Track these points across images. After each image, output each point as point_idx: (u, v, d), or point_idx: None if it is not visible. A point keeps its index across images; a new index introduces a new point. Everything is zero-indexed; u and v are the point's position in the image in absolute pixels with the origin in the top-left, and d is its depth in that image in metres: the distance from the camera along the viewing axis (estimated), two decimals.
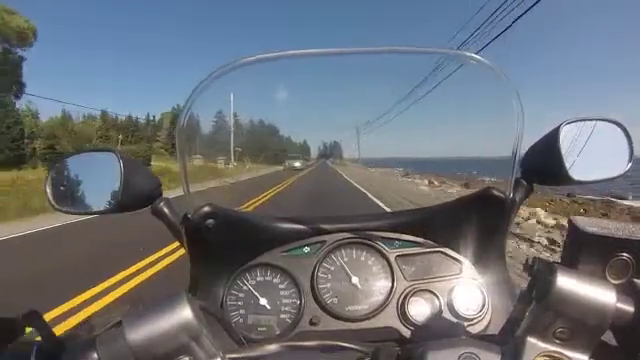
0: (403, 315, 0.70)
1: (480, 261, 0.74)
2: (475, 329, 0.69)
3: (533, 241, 5.53)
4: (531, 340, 0.38)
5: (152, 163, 24.11)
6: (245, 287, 0.73)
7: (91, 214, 0.67)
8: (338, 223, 0.78)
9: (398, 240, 0.76)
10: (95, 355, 0.37)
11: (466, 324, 0.68)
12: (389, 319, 0.71)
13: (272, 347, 0.44)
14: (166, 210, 0.66)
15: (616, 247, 0.40)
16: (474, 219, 0.71)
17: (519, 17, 10.31)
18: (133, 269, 4.43)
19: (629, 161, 0.64)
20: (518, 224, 6.55)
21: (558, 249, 5.04)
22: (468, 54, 0.54)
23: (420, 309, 0.70)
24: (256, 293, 0.73)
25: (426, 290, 0.71)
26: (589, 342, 0.38)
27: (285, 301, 0.73)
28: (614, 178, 0.66)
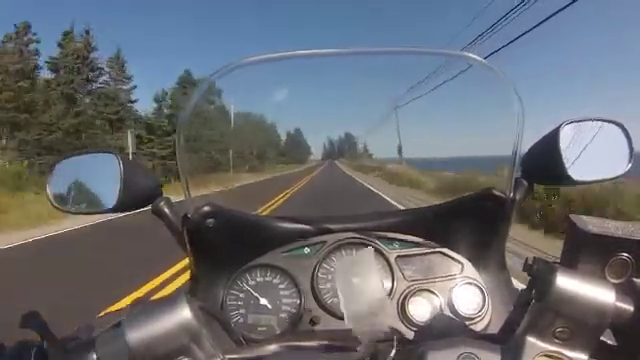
0: (403, 315, 0.70)
1: (480, 261, 0.74)
2: (475, 329, 0.68)
3: None
4: (531, 340, 0.38)
5: None
6: (245, 287, 0.73)
7: (91, 214, 0.67)
8: (338, 223, 0.78)
9: (398, 240, 0.76)
10: (95, 356, 0.37)
11: (466, 324, 0.68)
12: (389, 319, 0.71)
13: (272, 347, 0.44)
14: (166, 210, 0.66)
15: (616, 247, 0.40)
16: (474, 219, 0.71)
17: (540, 23, 10.24)
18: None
19: (629, 161, 0.64)
20: None
21: None
22: (469, 55, 0.54)
23: (420, 309, 0.70)
24: (256, 293, 0.73)
25: (426, 290, 0.71)
26: (589, 341, 0.38)
27: (285, 301, 0.73)
28: (614, 178, 0.66)
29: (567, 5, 8.75)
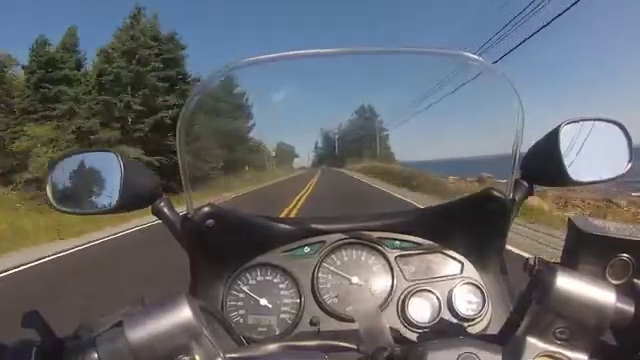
0: (403, 315, 0.70)
1: (480, 261, 0.74)
2: (475, 329, 0.69)
3: None
4: (531, 340, 0.38)
5: None
6: (245, 287, 0.73)
7: (91, 214, 0.67)
8: (338, 223, 0.78)
9: (398, 240, 0.76)
10: (95, 355, 0.37)
11: (466, 324, 0.69)
12: (389, 319, 0.71)
13: (272, 347, 0.44)
14: (166, 210, 0.66)
15: (616, 248, 0.40)
16: (474, 219, 0.71)
17: (544, 26, 10.29)
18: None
19: (629, 161, 0.64)
20: None
21: None
22: (468, 55, 0.54)
23: (420, 309, 0.70)
24: (256, 293, 0.73)
25: (426, 290, 0.71)
26: (589, 342, 0.38)
27: (285, 301, 0.73)
28: (614, 178, 0.66)
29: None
